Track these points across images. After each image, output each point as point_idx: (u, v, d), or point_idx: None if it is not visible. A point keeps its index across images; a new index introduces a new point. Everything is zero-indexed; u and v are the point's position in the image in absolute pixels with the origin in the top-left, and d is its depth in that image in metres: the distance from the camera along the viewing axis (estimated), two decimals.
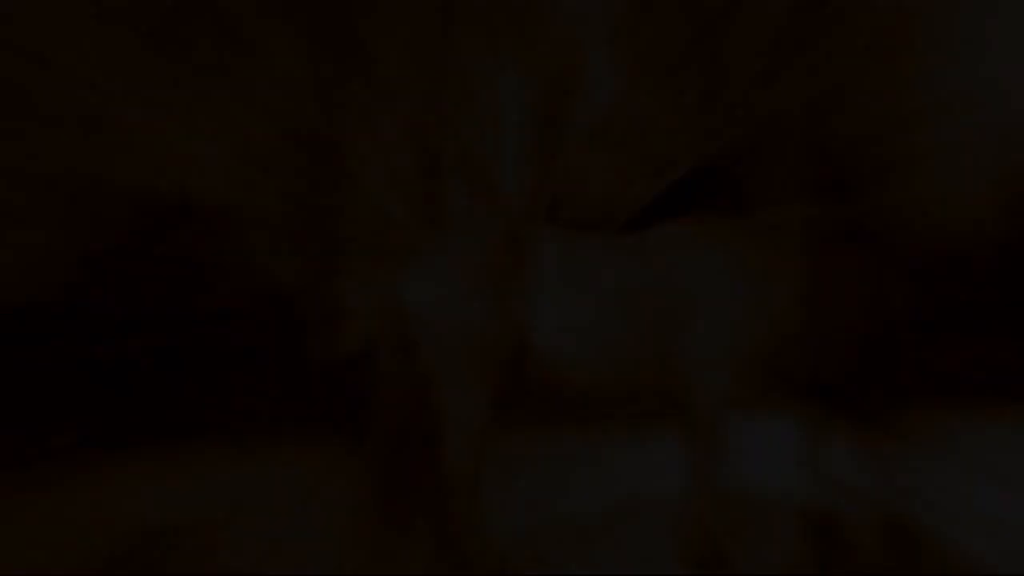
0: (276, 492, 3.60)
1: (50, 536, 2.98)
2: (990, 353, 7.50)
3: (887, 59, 8.19)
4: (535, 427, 4.99)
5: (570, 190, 7.67)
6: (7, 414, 5.65)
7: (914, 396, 2.22)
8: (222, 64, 7.71)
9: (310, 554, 2.60)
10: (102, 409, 6.19)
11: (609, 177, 7.68)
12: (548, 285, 2.10)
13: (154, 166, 8.57)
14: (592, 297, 2.09)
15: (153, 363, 9.03)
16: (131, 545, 2.81)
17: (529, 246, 2.16)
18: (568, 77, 7.58)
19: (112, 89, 8.08)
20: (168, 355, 9.73)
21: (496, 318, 2.07)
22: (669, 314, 2.05)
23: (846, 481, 2.20)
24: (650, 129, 7.67)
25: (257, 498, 3.48)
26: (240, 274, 10.36)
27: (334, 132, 7.88)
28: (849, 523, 2.23)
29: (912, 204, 9.36)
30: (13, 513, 3.46)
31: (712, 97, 7.55)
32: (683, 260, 2.11)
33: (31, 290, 9.21)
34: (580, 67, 7.61)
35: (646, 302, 2.05)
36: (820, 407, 2.04)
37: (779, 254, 2.04)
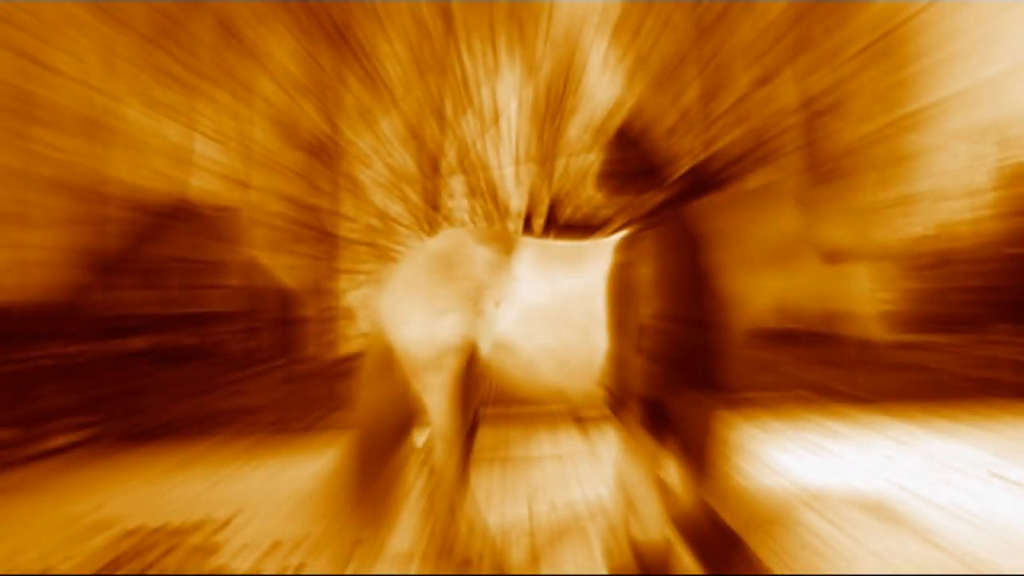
0: (276, 492, 3.60)
1: (50, 536, 2.99)
2: (989, 351, 7.49)
3: (886, 60, 8.19)
4: (534, 426, 4.99)
5: (570, 190, 7.67)
6: (7, 414, 5.65)
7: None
8: (222, 64, 7.71)
9: (310, 554, 2.60)
10: (102, 409, 6.19)
11: None
12: (488, 298, 2.16)
13: (154, 166, 8.57)
14: (527, 307, 2.11)
15: (153, 363, 9.03)
16: (131, 545, 2.81)
17: (469, 259, 2.22)
18: (568, 77, 7.57)
19: (112, 89, 8.09)
20: (168, 355, 9.73)
21: (451, 331, 2.16)
22: (594, 321, 2.03)
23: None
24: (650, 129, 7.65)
25: (257, 498, 3.49)
26: (240, 274, 10.36)
27: (334, 132, 7.88)
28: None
29: (905, 203, 9.36)
30: (14, 513, 3.46)
31: (712, 97, 7.55)
32: (605, 267, 2.07)
33: (31, 290, 9.21)
34: (580, 67, 7.60)
35: (576, 310, 2.04)
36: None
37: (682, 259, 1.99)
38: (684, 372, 1.61)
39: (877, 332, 1.89)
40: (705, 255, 1.74)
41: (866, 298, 1.90)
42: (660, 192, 1.80)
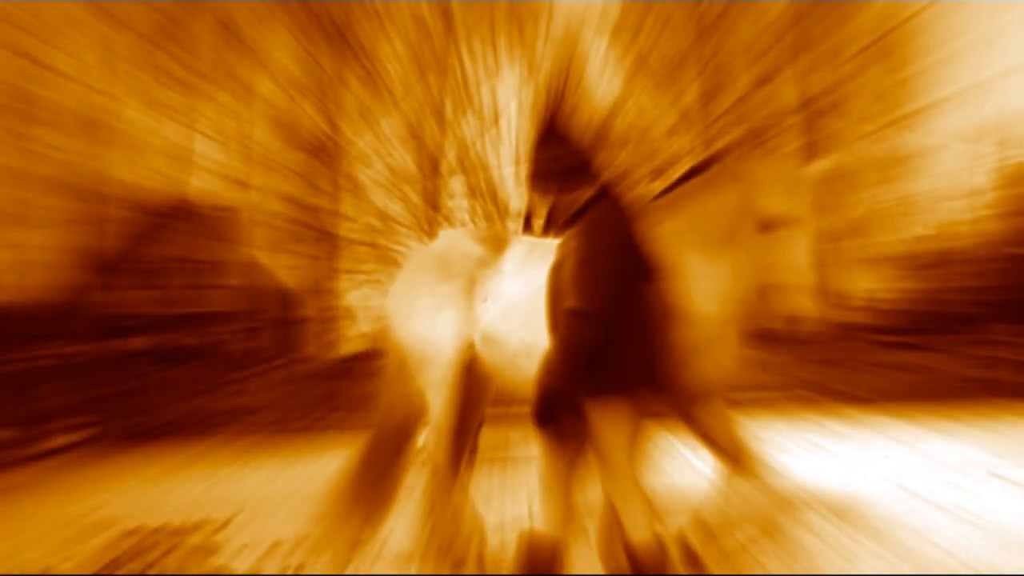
0: (276, 492, 3.60)
1: (50, 536, 2.99)
2: (989, 351, 7.50)
3: (886, 60, 8.19)
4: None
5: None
6: (7, 414, 5.64)
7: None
8: (222, 64, 7.71)
9: (310, 554, 2.60)
10: (102, 409, 6.19)
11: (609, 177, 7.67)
12: (478, 293, 2.20)
13: (154, 166, 8.57)
14: (510, 302, 2.14)
15: (153, 363, 9.02)
16: (131, 545, 2.81)
17: (466, 257, 2.25)
18: (568, 77, 7.56)
19: (112, 89, 8.08)
20: (168, 355, 9.72)
21: (448, 326, 2.20)
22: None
23: None
24: (650, 129, 7.66)
25: (257, 498, 3.49)
26: (240, 274, 10.35)
27: (334, 132, 7.87)
28: None
29: (905, 203, 9.36)
30: (13, 513, 3.46)
31: (712, 97, 7.55)
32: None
33: (31, 290, 9.21)
34: (580, 67, 7.60)
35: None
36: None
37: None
38: (598, 370, 1.58)
39: (810, 305, 1.81)
40: (628, 249, 1.67)
41: (801, 268, 1.82)
42: (592, 188, 1.78)
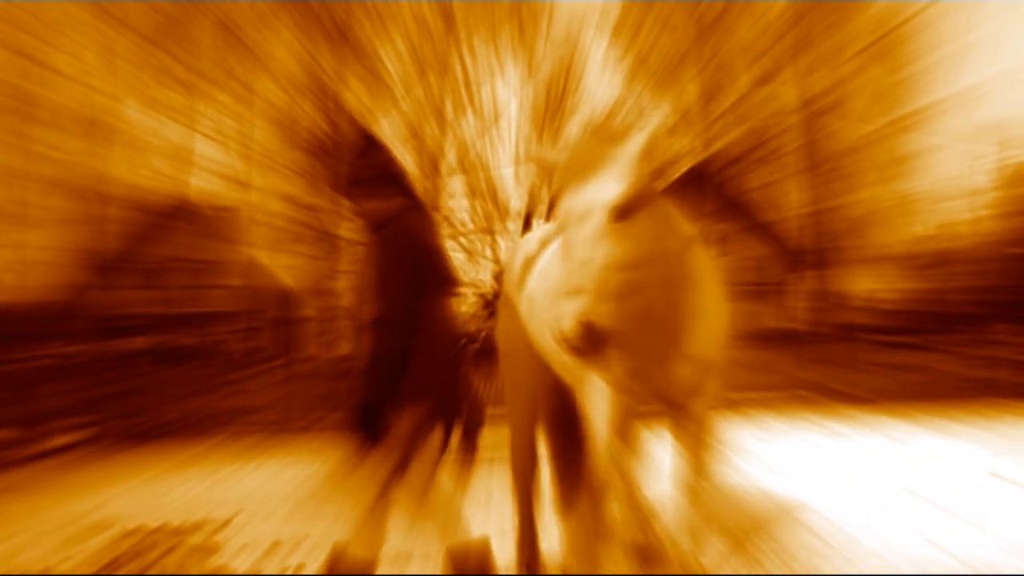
0: (276, 492, 3.60)
1: (50, 536, 2.99)
2: (989, 351, 7.49)
3: (886, 60, 8.19)
4: None
5: None
6: (7, 414, 5.64)
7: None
8: (222, 64, 7.71)
9: (310, 554, 2.60)
10: (102, 409, 6.19)
11: None
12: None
13: (154, 166, 8.57)
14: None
15: (153, 363, 9.02)
16: (131, 545, 2.81)
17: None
18: (568, 77, 7.57)
19: (112, 89, 8.08)
20: (168, 355, 9.72)
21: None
22: None
23: None
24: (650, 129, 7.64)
25: (257, 498, 3.48)
26: (240, 274, 10.35)
27: (334, 132, 7.87)
28: None
29: (905, 203, 9.35)
30: (14, 513, 3.46)
31: (712, 97, 7.55)
32: None
33: (31, 290, 9.21)
34: (580, 67, 7.60)
35: None
36: None
37: None
38: (387, 377, 1.60)
39: (581, 310, 1.19)
40: (429, 260, 1.70)
41: (576, 265, 1.26)
42: (403, 197, 1.79)
